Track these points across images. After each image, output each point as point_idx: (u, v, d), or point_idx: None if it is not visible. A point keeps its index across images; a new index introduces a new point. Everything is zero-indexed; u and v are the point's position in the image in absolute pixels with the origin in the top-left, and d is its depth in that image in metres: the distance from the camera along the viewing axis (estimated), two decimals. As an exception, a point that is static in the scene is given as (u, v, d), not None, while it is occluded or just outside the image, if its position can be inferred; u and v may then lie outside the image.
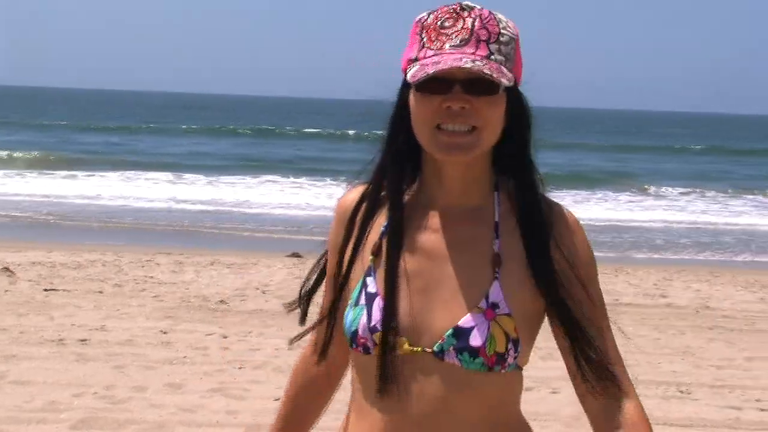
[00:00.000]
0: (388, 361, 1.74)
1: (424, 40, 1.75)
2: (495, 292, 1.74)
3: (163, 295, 9.74)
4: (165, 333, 8.13)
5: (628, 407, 1.81)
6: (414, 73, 1.70)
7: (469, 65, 1.68)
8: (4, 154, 29.74)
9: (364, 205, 1.87)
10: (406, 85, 1.79)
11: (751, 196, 26.30)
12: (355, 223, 1.86)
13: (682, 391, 7.06)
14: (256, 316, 8.91)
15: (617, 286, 11.36)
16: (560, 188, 26.49)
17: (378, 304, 1.76)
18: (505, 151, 1.81)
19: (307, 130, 54.52)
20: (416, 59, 1.75)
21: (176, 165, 29.12)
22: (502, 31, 1.75)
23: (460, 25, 1.74)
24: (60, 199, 20.43)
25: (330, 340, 1.90)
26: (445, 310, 1.74)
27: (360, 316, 1.77)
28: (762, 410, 6.68)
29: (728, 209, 23.31)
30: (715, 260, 14.87)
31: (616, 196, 25.27)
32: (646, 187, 27.69)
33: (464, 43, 1.72)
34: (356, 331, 1.77)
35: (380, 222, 1.83)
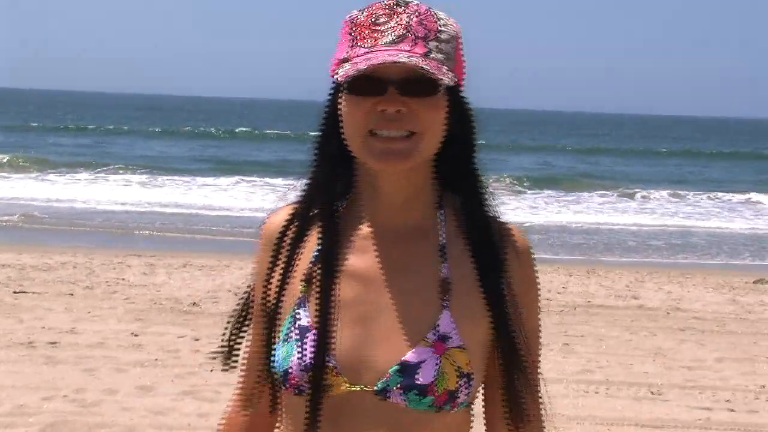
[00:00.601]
0: (319, 403, 1.56)
1: (356, 38, 1.58)
2: (445, 322, 1.57)
3: (134, 298, 9.67)
4: (136, 335, 8.07)
5: None
6: (344, 72, 1.54)
7: (404, 60, 1.52)
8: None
9: (292, 226, 1.68)
10: (336, 89, 1.63)
11: (721, 198, 26.52)
12: (282, 248, 1.67)
13: (653, 392, 7.11)
14: (228, 318, 8.86)
15: (589, 288, 11.42)
16: (533, 189, 26.63)
17: (311, 338, 1.58)
18: (448, 161, 1.65)
19: (271, 131, 54.30)
20: (347, 59, 1.58)
21: (148, 167, 28.94)
22: (441, 28, 1.59)
23: (395, 21, 1.58)
24: (30, 201, 20.23)
25: (261, 384, 1.70)
26: (389, 343, 1.57)
27: (292, 353, 1.59)
28: (732, 411, 6.73)
29: (698, 211, 23.49)
30: (687, 262, 14.97)
31: (588, 198, 25.39)
32: (620, 189, 27.85)
33: (400, 39, 1.56)
34: (287, 371, 1.59)
35: (311, 246, 1.65)
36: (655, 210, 23.49)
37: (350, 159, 1.63)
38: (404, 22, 1.58)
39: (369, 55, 1.54)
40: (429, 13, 1.61)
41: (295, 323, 1.61)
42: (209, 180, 26.41)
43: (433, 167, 1.64)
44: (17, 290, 9.71)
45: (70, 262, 11.72)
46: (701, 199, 26.47)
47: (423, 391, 1.54)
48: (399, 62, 1.52)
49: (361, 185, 1.65)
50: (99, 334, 8.03)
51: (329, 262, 1.61)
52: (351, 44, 1.59)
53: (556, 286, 11.37)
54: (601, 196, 26.11)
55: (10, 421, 5.80)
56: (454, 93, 1.61)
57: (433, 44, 1.58)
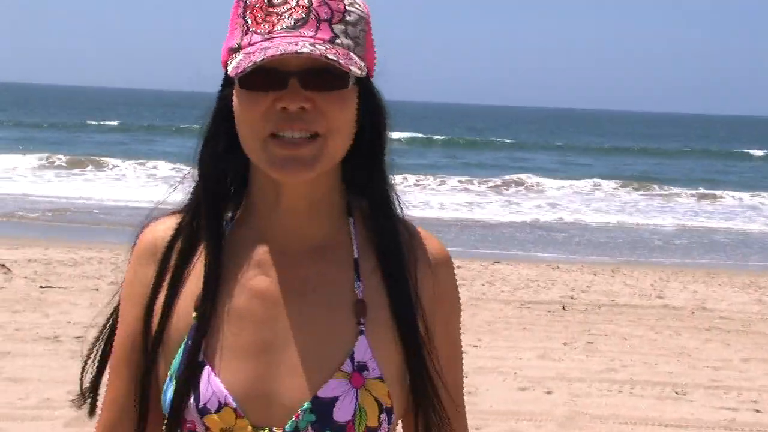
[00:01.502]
0: None
1: (249, 22, 1.36)
2: (361, 350, 1.37)
3: (159, 293, 9.71)
4: (161, 331, 8.11)
5: None
6: (237, 64, 1.32)
7: (307, 50, 1.30)
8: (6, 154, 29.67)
9: (179, 240, 1.45)
10: (227, 82, 1.41)
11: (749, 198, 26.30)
12: (168, 265, 1.43)
13: (677, 392, 7.06)
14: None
15: (614, 287, 11.36)
16: (556, 187, 26.51)
17: (208, 378, 1.36)
18: (353, 160, 1.43)
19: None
20: (239, 47, 1.36)
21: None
22: (348, 8, 1.38)
23: (294, 1, 1.35)
24: (57, 197, 20.39)
25: (142, 425, 1.44)
26: (298, 376, 1.36)
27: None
28: (758, 411, 6.68)
29: (722, 211, 23.30)
30: (713, 261, 14.86)
31: (616, 197, 25.26)
32: (647, 187, 27.68)
33: (300, 23, 1.34)
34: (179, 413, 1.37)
35: (202, 266, 1.42)
36: (684, 209, 23.33)
37: (243, 159, 1.42)
38: (305, 2, 1.35)
39: (265, 44, 1.33)
40: None
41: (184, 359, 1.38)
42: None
43: (339, 169, 1.44)
44: (44, 285, 9.80)
45: (95, 257, 11.80)
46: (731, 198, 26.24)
47: (340, 430, 1.35)
48: (302, 53, 1.30)
49: (258, 191, 1.44)
50: (124, 329, 8.07)
51: (213, 284, 1.39)
52: (243, 29, 1.37)
53: (580, 285, 11.33)
54: (628, 193, 25.94)
55: (36, 414, 5.86)
56: (363, 83, 1.41)
57: (339, 27, 1.36)
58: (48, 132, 42.86)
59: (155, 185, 23.32)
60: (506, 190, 26.05)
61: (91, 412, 1.55)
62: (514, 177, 27.87)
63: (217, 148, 1.44)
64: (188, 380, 1.37)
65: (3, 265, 10.56)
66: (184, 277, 1.43)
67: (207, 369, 1.37)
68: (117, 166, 27.72)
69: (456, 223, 18.35)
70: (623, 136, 65.77)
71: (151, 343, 1.42)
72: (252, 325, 1.39)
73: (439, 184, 26.44)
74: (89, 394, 1.54)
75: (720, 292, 11.45)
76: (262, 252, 1.43)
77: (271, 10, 1.35)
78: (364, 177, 1.45)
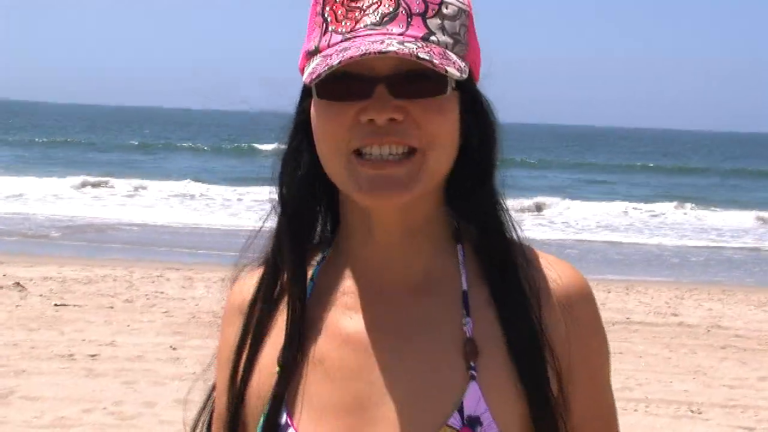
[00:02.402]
0: None
1: (328, 20, 1.16)
2: (472, 400, 1.15)
3: (173, 311, 9.74)
4: (174, 349, 8.12)
5: None
6: (313, 69, 1.13)
7: (394, 48, 1.09)
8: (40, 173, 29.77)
9: (261, 293, 1.27)
10: (307, 94, 1.22)
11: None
12: (252, 322, 1.27)
13: (693, 411, 7.02)
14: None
15: (628, 304, 11.31)
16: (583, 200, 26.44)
17: None
18: (460, 181, 1.22)
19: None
20: (317, 50, 1.16)
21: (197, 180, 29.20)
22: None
23: None
24: (71, 215, 20.48)
25: None
26: None
27: None
28: (774, 431, 6.63)
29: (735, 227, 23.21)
30: (728, 279, 14.78)
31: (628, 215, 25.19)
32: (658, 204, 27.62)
33: (388, 19, 1.13)
34: None
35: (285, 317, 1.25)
36: (694, 226, 23.24)
37: (331, 184, 1.22)
38: None
39: (345, 44, 1.13)
40: None
41: (269, 419, 1.21)
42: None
43: (443, 189, 1.23)
44: (59, 303, 9.83)
45: (110, 275, 11.83)
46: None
47: None
48: (387, 52, 1.09)
49: (349, 222, 1.24)
50: (138, 347, 8.09)
51: (297, 332, 1.21)
52: (322, 29, 1.17)
53: (594, 303, 11.27)
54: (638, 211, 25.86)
55: (51, 433, 5.87)
56: (465, 88, 1.20)
57: (434, 22, 1.15)
58: (76, 150, 43.05)
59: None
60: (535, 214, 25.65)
61: None
62: (543, 199, 27.05)
63: (296, 173, 1.24)
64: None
65: (18, 284, 10.61)
66: (267, 330, 1.25)
67: (292, 431, 1.18)
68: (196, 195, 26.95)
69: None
70: (643, 154, 65.56)
71: (233, 404, 1.26)
72: (343, 376, 1.19)
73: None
74: None
75: (736, 309, 11.38)
76: (354, 292, 1.23)
77: (353, 4, 1.15)
78: (471, 199, 1.22)
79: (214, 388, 1.37)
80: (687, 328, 10.09)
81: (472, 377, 1.16)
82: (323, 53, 1.15)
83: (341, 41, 1.14)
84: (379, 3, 1.14)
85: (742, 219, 24.40)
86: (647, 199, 28.51)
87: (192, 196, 25.91)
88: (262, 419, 1.21)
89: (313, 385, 1.20)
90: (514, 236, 1.26)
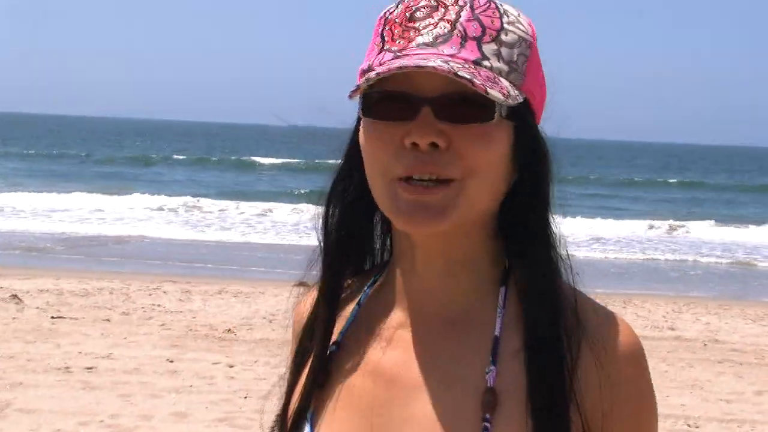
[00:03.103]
0: None
1: (385, 39, 1.15)
2: None
3: (169, 324, 9.73)
4: (171, 362, 8.11)
5: None
6: (356, 86, 1.12)
7: (432, 64, 1.07)
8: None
9: (312, 313, 1.28)
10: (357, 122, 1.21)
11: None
12: (308, 341, 1.27)
13: (689, 425, 7.02)
14: (262, 345, 8.89)
15: (626, 318, 11.27)
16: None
17: None
18: (512, 217, 1.18)
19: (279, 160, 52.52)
20: (370, 68, 1.14)
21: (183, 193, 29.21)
22: (506, 26, 1.14)
23: (438, 15, 1.13)
24: (67, 227, 20.47)
25: None
26: None
27: None
28: (771, 445, 6.63)
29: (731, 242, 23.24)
30: (724, 293, 14.79)
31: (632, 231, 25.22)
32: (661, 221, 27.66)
33: (441, 40, 1.11)
34: None
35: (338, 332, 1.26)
36: (691, 241, 23.26)
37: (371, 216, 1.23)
38: (451, 17, 1.13)
39: (393, 61, 1.11)
40: (490, 4, 1.15)
41: None
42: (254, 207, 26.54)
43: (493, 226, 1.18)
44: (55, 315, 9.82)
45: (106, 287, 11.83)
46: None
47: None
48: (425, 67, 1.06)
49: (398, 250, 1.21)
50: (135, 360, 8.09)
51: (322, 358, 1.22)
52: (379, 48, 1.15)
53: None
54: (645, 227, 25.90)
55: (47, 446, 5.85)
56: (521, 120, 1.15)
57: (490, 48, 1.12)
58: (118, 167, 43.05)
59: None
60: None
61: None
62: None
63: (346, 196, 1.22)
64: None
65: (15, 296, 10.60)
66: (310, 352, 1.25)
67: None
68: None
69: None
70: (657, 169, 65.68)
71: (277, 422, 1.27)
72: (364, 406, 1.18)
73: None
74: None
75: (732, 324, 11.39)
76: (390, 322, 1.21)
77: (410, 25, 1.13)
78: (521, 236, 1.17)
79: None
80: (684, 342, 10.09)
81: (485, 429, 1.11)
82: (376, 70, 1.11)
83: (392, 59, 1.12)
84: (434, 24, 1.13)
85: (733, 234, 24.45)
86: (643, 215, 28.52)
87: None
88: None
89: (335, 414, 1.19)
90: (565, 280, 1.19)
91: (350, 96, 1.11)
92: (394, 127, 1.11)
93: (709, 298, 13.83)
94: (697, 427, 6.99)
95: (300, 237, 19.46)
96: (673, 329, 10.79)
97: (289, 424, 1.23)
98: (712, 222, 26.91)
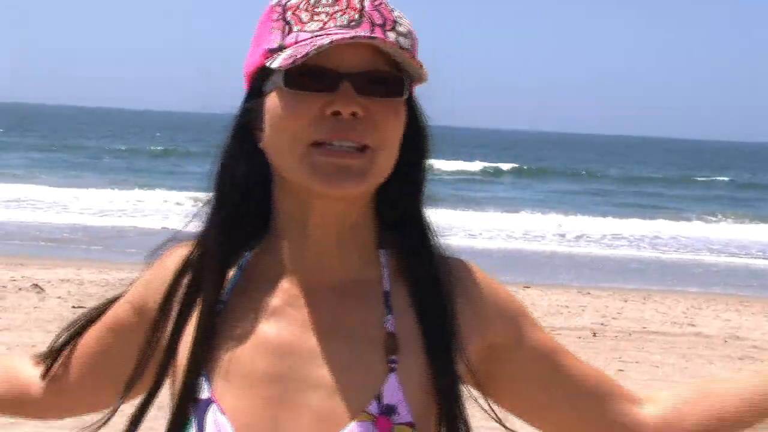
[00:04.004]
0: None
1: (291, 23, 1.24)
2: (390, 390, 1.23)
3: (189, 315, 9.77)
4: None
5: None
6: (289, 55, 1.20)
7: (382, 37, 1.22)
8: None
9: (187, 274, 1.34)
10: (255, 94, 1.28)
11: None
12: (174, 298, 1.33)
13: (709, 422, 6.98)
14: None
15: (645, 314, 11.28)
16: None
17: (214, 417, 1.24)
18: (390, 189, 1.29)
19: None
20: (281, 47, 1.23)
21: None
22: (398, 19, 1.27)
23: (343, 3, 1.24)
24: (87, 219, 20.59)
25: (67, 379, 1.45)
26: (317, 418, 1.23)
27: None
28: (791, 442, 6.59)
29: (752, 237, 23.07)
30: (745, 290, 14.70)
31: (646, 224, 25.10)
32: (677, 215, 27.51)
33: (355, 24, 1.23)
34: None
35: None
36: (713, 236, 23.13)
37: (265, 188, 1.30)
38: (356, 5, 1.25)
39: (321, 36, 1.21)
40: (381, 0, 1.28)
41: (191, 395, 1.28)
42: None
43: (373, 194, 1.30)
44: (76, 305, 9.88)
45: (127, 278, 11.85)
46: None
47: None
48: (375, 38, 1.20)
49: (284, 220, 1.30)
50: (155, 350, 8.13)
51: (207, 324, 1.28)
52: (285, 31, 1.24)
53: (611, 311, 11.25)
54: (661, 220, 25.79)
55: (67, 434, 5.90)
56: (412, 100, 1.30)
57: (392, 35, 1.25)
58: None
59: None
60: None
61: (44, 376, 1.47)
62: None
63: (237, 170, 1.30)
64: (193, 420, 1.26)
65: (37, 285, 10.69)
66: (191, 311, 1.31)
67: (215, 407, 1.25)
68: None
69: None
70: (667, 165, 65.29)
71: (156, 369, 1.34)
72: (267, 365, 1.26)
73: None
74: (50, 359, 1.46)
75: (753, 320, 11.32)
76: (283, 287, 1.30)
77: (318, 9, 1.24)
78: (402, 208, 1.31)
79: (108, 304, 1.45)
80: (704, 338, 10.04)
81: (392, 369, 1.24)
82: (293, 47, 1.22)
83: (311, 38, 1.21)
84: (344, 11, 1.24)
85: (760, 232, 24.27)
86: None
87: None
88: (179, 392, 1.28)
89: (230, 378, 1.26)
90: (435, 241, 1.33)
91: (293, 62, 1.19)
92: (313, 98, 1.21)
93: (729, 294, 13.76)
94: (716, 423, 6.96)
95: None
96: (693, 325, 10.74)
97: (182, 379, 1.28)
98: (731, 219, 26.76)
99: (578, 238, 20.92)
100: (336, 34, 1.20)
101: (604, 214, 26.17)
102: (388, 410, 1.23)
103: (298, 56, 1.18)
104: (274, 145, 1.25)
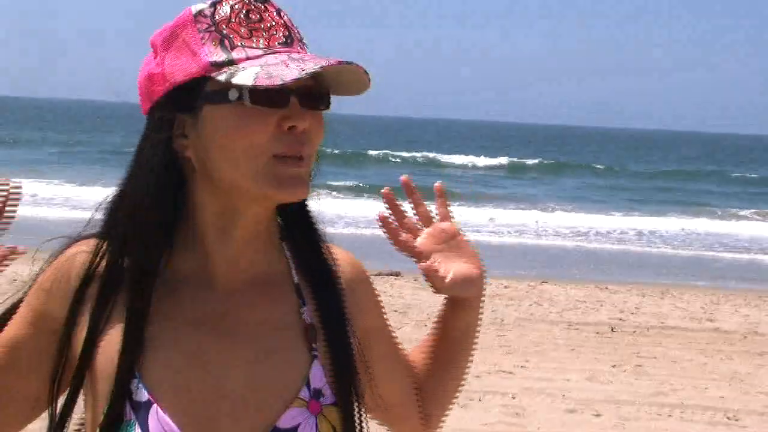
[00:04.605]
0: None
1: (231, 37, 1.30)
2: (317, 376, 1.35)
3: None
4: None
5: None
6: (266, 73, 1.25)
7: (355, 64, 1.30)
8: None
9: (98, 274, 1.35)
10: (185, 107, 1.31)
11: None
12: (84, 298, 1.34)
13: (729, 418, 6.93)
14: None
15: (663, 309, 11.21)
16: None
17: (157, 417, 1.28)
18: None
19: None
20: (231, 61, 1.28)
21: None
22: (296, 27, 1.38)
23: (269, 19, 1.32)
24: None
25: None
26: (254, 408, 1.31)
27: None
28: (812, 439, 6.53)
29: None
30: (766, 285, 14.60)
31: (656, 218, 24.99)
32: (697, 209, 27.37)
33: (289, 41, 1.33)
34: None
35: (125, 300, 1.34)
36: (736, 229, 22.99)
37: (178, 189, 1.34)
38: (280, 21, 1.34)
39: (282, 57, 1.29)
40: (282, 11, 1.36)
41: (127, 399, 1.29)
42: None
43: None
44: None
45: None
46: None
47: None
48: (351, 64, 1.29)
49: (205, 223, 1.35)
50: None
51: (138, 320, 1.31)
52: (225, 44, 1.29)
53: (629, 307, 11.20)
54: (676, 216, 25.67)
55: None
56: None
57: (306, 48, 1.36)
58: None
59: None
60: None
61: None
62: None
63: (156, 175, 1.32)
64: (134, 422, 1.28)
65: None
66: (105, 312, 1.33)
67: (156, 407, 1.28)
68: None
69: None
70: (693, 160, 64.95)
71: (71, 383, 1.34)
72: (198, 362, 1.31)
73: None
74: None
75: (773, 316, 11.24)
76: (205, 285, 1.35)
77: (253, 26, 1.31)
78: (293, 204, 1.38)
79: (8, 313, 1.41)
80: (723, 334, 9.97)
81: (315, 357, 1.35)
82: (251, 62, 1.28)
83: (264, 54, 1.29)
84: (276, 28, 1.32)
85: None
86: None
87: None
88: (113, 396, 1.29)
89: (168, 370, 1.30)
90: (321, 232, 1.44)
91: (264, 83, 1.24)
92: (271, 113, 1.29)
93: (748, 290, 13.66)
94: (736, 420, 6.91)
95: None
96: (711, 321, 10.67)
97: (116, 382, 1.29)
98: (749, 212, 26.61)
99: (596, 233, 20.83)
100: (283, 51, 1.30)
101: (623, 210, 26.07)
102: (316, 394, 1.34)
103: (287, 78, 1.24)
104: (225, 157, 1.30)
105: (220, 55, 1.29)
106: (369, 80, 1.32)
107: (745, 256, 18.43)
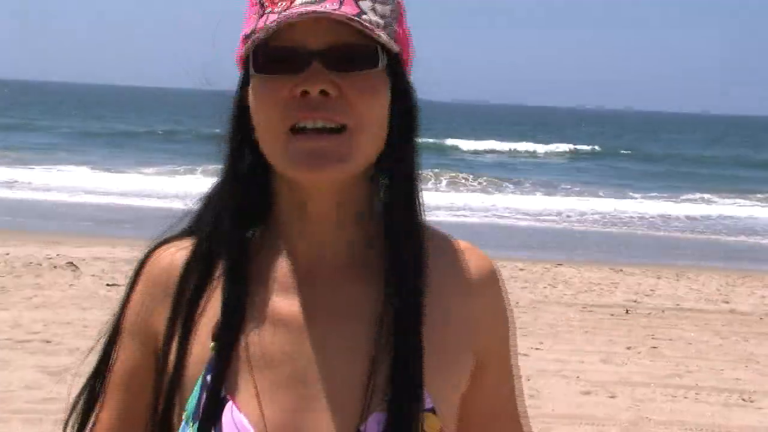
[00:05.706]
0: None
1: (265, 5, 1.18)
2: None
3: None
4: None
5: None
6: (250, 43, 1.16)
7: (329, 10, 1.13)
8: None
9: (194, 268, 1.26)
10: (245, 82, 1.23)
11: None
12: (182, 301, 1.25)
13: (745, 399, 6.93)
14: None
15: (678, 291, 11.19)
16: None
17: (231, 414, 1.18)
18: (384, 166, 1.22)
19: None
20: (253, 32, 1.18)
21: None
22: None
23: None
24: (133, 201, 20.76)
25: None
26: (336, 410, 1.18)
27: None
28: (828, 420, 6.52)
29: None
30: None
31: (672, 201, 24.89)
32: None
33: None
34: None
35: (219, 292, 1.25)
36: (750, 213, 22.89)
37: (267, 171, 1.23)
38: None
39: (300, 10, 1.15)
40: None
41: (205, 393, 1.20)
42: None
43: (371, 170, 1.22)
44: (110, 283, 9.98)
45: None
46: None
47: None
48: (323, 13, 1.12)
49: (283, 205, 1.24)
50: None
51: (236, 312, 1.21)
52: (259, 15, 1.19)
53: (644, 289, 11.18)
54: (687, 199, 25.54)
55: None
56: (396, 74, 1.22)
57: (366, 3, 1.18)
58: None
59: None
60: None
61: None
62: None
63: (238, 158, 1.23)
64: (209, 418, 1.18)
65: (71, 263, 10.80)
66: (199, 310, 1.24)
67: (230, 405, 1.19)
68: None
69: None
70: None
71: (167, 387, 1.24)
72: (281, 354, 1.21)
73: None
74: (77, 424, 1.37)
75: (789, 297, 11.20)
76: (286, 272, 1.24)
77: None
78: (393, 187, 1.22)
79: (106, 356, 1.35)
80: (739, 315, 9.95)
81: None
82: (261, 29, 1.16)
83: (276, 18, 1.15)
84: None
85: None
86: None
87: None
88: (195, 396, 1.21)
89: (249, 364, 1.21)
90: (421, 221, 1.26)
91: (246, 52, 1.16)
92: (284, 81, 1.15)
93: (764, 271, 13.61)
94: (752, 401, 6.90)
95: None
96: (727, 302, 10.65)
97: (210, 386, 1.20)
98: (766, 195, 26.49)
99: (612, 216, 20.78)
100: (298, 8, 1.15)
101: (639, 192, 25.97)
102: None
103: (254, 41, 1.15)
104: (259, 135, 1.20)
105: (250, 26, 1.19)
106: (369, 32, 1.16)
107: (761, 239, 18.34)
